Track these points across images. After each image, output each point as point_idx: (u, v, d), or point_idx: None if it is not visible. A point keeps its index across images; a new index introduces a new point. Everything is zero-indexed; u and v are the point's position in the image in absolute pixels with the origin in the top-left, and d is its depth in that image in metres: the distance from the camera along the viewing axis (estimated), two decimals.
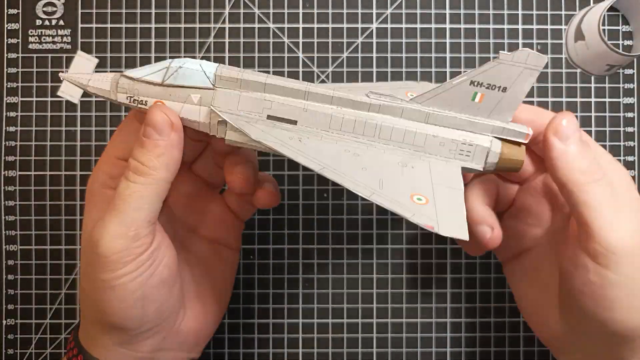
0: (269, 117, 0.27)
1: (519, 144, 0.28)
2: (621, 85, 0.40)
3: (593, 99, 0.40)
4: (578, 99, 0.40)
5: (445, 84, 0.27)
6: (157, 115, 0.26)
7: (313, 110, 0.27)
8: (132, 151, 0.27)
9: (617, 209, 0.26)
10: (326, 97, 0.27)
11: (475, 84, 0.26)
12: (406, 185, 0.26)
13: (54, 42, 0.40)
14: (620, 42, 0.40)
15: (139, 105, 0.27)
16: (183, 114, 0.27)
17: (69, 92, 0.40)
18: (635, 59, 0.40)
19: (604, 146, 0.40)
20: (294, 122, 0.27)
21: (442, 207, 0.25)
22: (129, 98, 0.27)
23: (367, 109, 0.27)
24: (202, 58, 0.39)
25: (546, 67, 0.40)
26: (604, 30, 0.40)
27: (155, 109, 0.26)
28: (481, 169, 0.28)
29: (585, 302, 0.27)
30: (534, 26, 0.40)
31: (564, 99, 0.40)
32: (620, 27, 0.40)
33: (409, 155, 0.27)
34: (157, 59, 0.39)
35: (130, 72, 0.27)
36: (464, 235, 0.24)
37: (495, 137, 0.28)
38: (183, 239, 0.33)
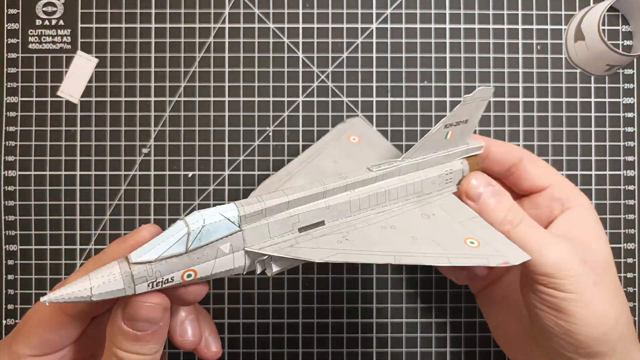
0: (300, 229, 0.27)
1: (477, 154, 0.34)
2: (621, 85, 0.40)
3: (593, 99, 0.40)
4: (578, 99, 0.40)
5: (427, 135, 0.30)
6: (145, 309, 0.23)
7: (334, 204, 0.28)
8: (115, 342, 0.24)
9: (547, 238, 0.29)
10: (340, 187, 0.29)
11: (447, 125, 0.31)
12: (454, 236, 0.29)
13: (54, 42, 0.40)
14: (620, 42, 0.40)
15: (164, 286, 0.24)
16: (215, 269, 0.25)
17: (68, 91, 0.40)
18: (635, 59, 0.40)
19: (604, 146, 0.40)
20: (322, 223, 0.28)
21: (490, 242, 0.29)
22: (150, 284, 0.23)
23: (374, 181, 0.30)
24: (202, 58, 0.40)
25: (546, 67, 0.40)
26: (603, 30, 0.40)
27: (137, 303, 0.23)
28: (456, 189, 0.33)
29: (547, 320, 0.29)
30: (534, 26, 0.40)
31: (563, 99, 0.40)
32: (620, 27, 0.40)
33: (418, 205, 0.31)
34: (157, 59, 0.39)
35: (142, 256, 0.23)
36: (527, 257, 0.27)
37: (464, 158, 0.33)
38: None
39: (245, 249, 0.25)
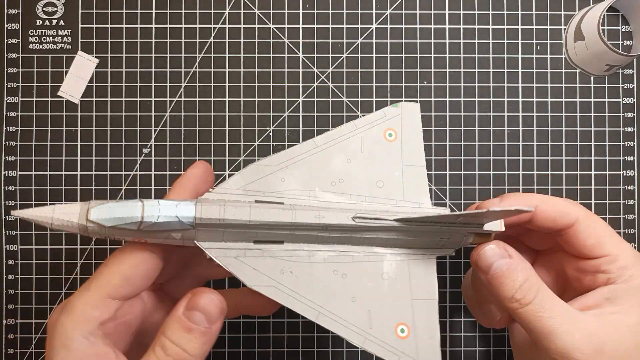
0: (256, 242, 0.27)
1: (489, 235, 0.30)
2: (621, 85, 0.40)
3: (593, 99, 0.40)
4: (577, 99, 0.40)
5: (435, 217, 0.28)
6: (211, 301, 0.24)
7: (300, 234, 0.27)
8: (167, 330, 0.24)
9: (559, 322, 0.27)
10: (312, 226, 0.27)
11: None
12: (391, 316, 0.28)
13: (54, 42, 0.40)
14: (620, 42, 0.40)
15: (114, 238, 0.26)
16: (166, 242, 0.26)
17: (69, 92, 0.40)
18: (635, 59, 0.40)
19: (604, 146, 0.40)
20: (280, 242, 0.27)
21: (422, 337, 0.28)
22: (101, 235, 0.26)
23: (353, 231, 0.28)
24: (202, 58, 0.40)
25: (546, 67, 0.40)
26: (603, 30, 0.40)
27: (207, 293, 0.24)
28: (453, 253, 0.30)
29: None
30: (534, 26, 0.40)
31: (563, 99, 0.40)
32: (620, 27, 0.40)
33: (386, 258, 0.29)
34: (158, 59, 0.40)
35: (99, 218, 0.25)
36: None
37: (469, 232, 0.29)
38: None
39: (195, 242, 0.26)
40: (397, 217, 0.28)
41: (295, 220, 0.26)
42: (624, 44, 0.40)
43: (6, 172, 0.39)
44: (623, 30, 0.40)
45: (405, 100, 0.32)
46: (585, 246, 0.29)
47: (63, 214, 0.25)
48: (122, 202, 0.25)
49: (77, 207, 0.25)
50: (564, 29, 0.40)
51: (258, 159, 0.29)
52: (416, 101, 0.33)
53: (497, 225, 0.28)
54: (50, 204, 0.25)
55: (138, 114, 0.40)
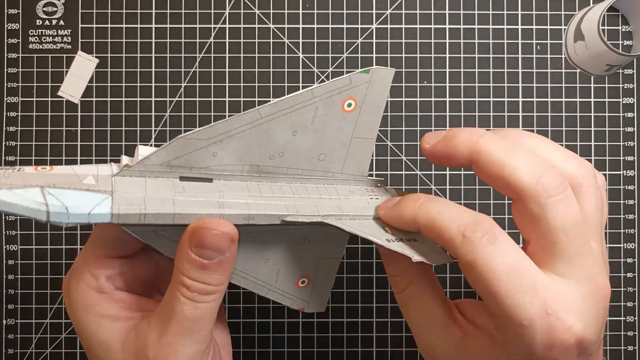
0: (182, 178, 0.25)
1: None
2: (621, 85, 0.40)
3: (593, 99, 0.40)
4: (578, 99, 0.40)
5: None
6: (214, 236, 0.24)
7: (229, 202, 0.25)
8: (182, 269, 0.24)
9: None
10: (240, 215, 0.25)
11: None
12: (296, 271, 0.28)
13: (54, 42, 0.40)
14: (620, 42, 0.40)
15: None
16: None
17: (69, 92, 0.40)
18: (635, 59, 0.40)
19: (604, 146, 0.40)
20: (210, 180, 0.25)
21: (317, 286, 0.29)
22: None
23: (280, 225, 0.26)
24: (202, 58, 0.40)
25: (546, 67, 0.40)
26: (603, 30, 0.40)
27: (206, 230, 0.24)
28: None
29: None
30: (534, 26, 0.40)
31: (563, 99, 0.40)
32: (620, 27, 0.40)
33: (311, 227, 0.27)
34: (158, 59, 0.40)
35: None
36: (322, 309, 0.30)
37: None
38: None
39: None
40: (324, 215, 0.26)
41: (223, 213, 0.24)
42: (624, 44, 0.40)
43: None
44: (623, 30, 0.40)
45: (378, 67, 0.28)
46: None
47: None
48: (17, 194, 0.20)
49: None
50: (564, 29, 0.40)
51: (187, 132, 0.25)
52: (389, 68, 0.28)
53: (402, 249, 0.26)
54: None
55: (138, 114, 0.40)
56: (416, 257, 0.25)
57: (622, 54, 0.37)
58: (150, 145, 0.39)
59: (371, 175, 0.35)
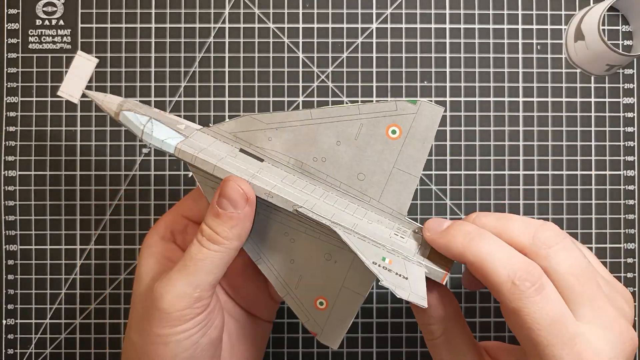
0: (242, 150, 0.30)
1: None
2: (621, 85, 0.40)
3: (593, 99, 0.40)
4: (578, 99, 0.40)
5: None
6: (233, 189, 0.27)
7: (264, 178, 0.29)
8: (203, 215, 0.28)
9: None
10: (260, 198, 0.28)
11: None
12: (317, 288, 0.29)
13: (54, 42, 0.40)
14: (620, 42, 0.40)
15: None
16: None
17: (69, 92, 0.40)
18: (635, 59, 0.40)
19: (604, 146, 0.40)
20: (261, 160, 0.30)
21: (334, 318, 0.29)
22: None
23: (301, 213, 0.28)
24: (202, 58, 0.40)
25: (546, 67, 0.40)
26: (603, 30, 0.40)
27: (231, 182, 0.27)
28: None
29: None
30: (534, 26, 0.40)
31: (563, 99, 0.40)
32: (620, 27, 0.40)
33: (340, 245, 0.28)
34: (158, 59, 0.39)
35: (122, 119, 0.29)
36: (334, 347, 0.30)
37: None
38: (223, 302, 0.33)
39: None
40: (334, 222, 0.27)
41: (251, 181, 0.28)
42: (624, 44, 0.40)
43: (5, 172, 0.39)
44: (623, 30, 0.40)
45: (427, 100, 0.28)
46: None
47: (109, 103, 0.30)
48: (135, 115, 0.29)
49: (115, 104, 0.30)
50: (564, 28, 0.40)
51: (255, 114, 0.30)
52: (442, 104, 0.30)
53: (421, 300, 0.26)
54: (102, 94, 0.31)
55: None
56: (399, 293, 0.25)
57: (622, 54, 0.37)
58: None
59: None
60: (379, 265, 0.26)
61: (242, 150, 0.29)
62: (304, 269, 0.29)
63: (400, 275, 0.26)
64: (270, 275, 0.30)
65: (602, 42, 0.37)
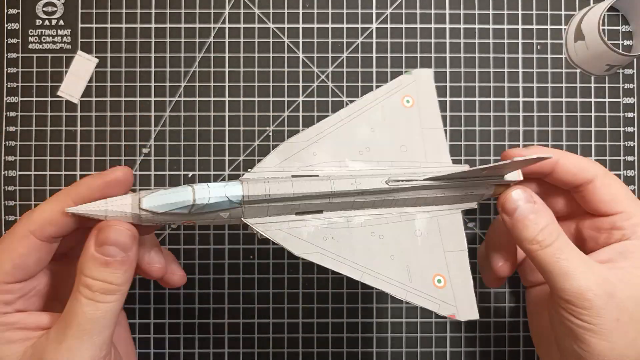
0: (297, 213, 0.29)
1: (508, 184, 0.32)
2: (621, 85, 0.40)
3: (593, 99, 0.40)
4: (578, 99, 0.40)
5: (461, 173, 0.30)
6: (121, 233, 0.26)
7: (338, 201, 0.29)
8: (85, 270, 0.26)
9: (576, 264, 0.28)
10: (349, 193, 0.29)
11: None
12: (428, 268, 0.30)
13: (54, 42, 0.40)
14: (620, 42, 0.40)
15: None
16: (212, 223, 0.28)
17: (68, 91, 0.40)
18: (635, 59, 0.40)
19: (604, 146, 0.40)
20: (320, 212, 0.29)
21: (457, 285, 0.30)
22: (152, 222, 0.27)
23: (387, 193, 0.30)
24: (202, 58, 0.40)
25: (546, 67, 0.40)
26: (603, 30, 0.40)
27: (115, 227, 0.26)
28: (476, 206, 0.32)
29: (565, 340, 0.29)
30: (534, 26, 0.40)
31: (563, 99, 0.40)
32: (620, 27, 0.40)
33: (417, 217, 0.31)
34: (158, 59, 0.39)
35: (152, 206, 0.26)
36: (476, 316, 0.30)
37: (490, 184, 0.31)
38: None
39: (242, 219, 0.28)
40: (426, 176, 0.30)
41: (334, 189, 0.29)
42: (624, 43, 0.40)
43: (6, 172, 0.39)
44: (623, 30, 0.40)
45: (418, 70, 0.34)
46: (602, 202, 0.31)
47: (116, 206, 0.26)
48: (171, 189, 0.27)
49: (128, 199, 0.26)
50: (564, 28, 0.40)
51: (289, 130, 0.33)
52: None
53: (516, 175, 0.31)
54: (102, 199, 0.26)
55: (137, 113, 0.40)
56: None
57: (623, 54, 0.37)
58: (149, 147, 0.39)
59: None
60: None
61: (294, 176, 0.29)
62: (407, 257, 0.30)
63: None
64: (383, 285, 0.29)
65: (602, 42, 0.37)
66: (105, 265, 0.25)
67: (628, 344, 0.27)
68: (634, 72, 0.40)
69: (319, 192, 0.28)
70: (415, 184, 0.30)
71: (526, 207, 0.29)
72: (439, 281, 0.30)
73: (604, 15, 0.37)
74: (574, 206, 0.33)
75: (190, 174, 0.39)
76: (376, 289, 0.29)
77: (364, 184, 0.29)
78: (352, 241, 0.29)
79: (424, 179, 0.30)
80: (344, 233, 0.30)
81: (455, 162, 0.40)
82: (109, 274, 0.25)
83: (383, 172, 0.30)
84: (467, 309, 0.30)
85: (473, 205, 0.32)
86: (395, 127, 0.32)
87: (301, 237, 0.29)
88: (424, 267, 0.30)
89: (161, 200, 0.26)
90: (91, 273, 0.25)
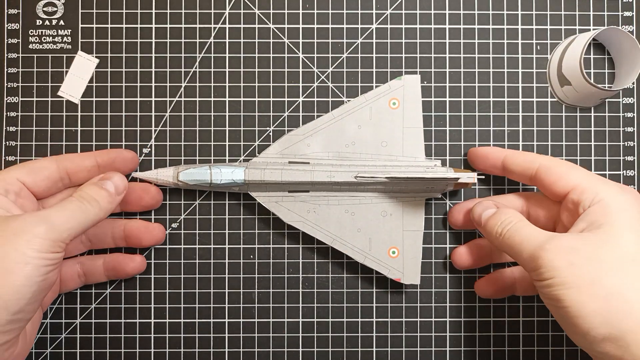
0: (290, 191, 0.37)
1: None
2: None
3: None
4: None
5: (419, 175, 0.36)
6: (119, 180, 0.35)
7: (318, 186, 0.37)
8: (83, 187, 0.34)
9: (527, 234, 0.31)
10: (326, 182, 0.37)
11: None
12: (386, 242, 0.38)
13: (54, 42, 0.40)
14: (606, 70, 0.40)
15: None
16: (229, 191, 0.39)
17: (69, 92, 0.40)
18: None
19: (604, 146, 0.40)
20: (307, 191, 0.37)
21: (407, 257, 0.38)
22: (187, 187, 0.38)
23: (357, 187, 0.37)
24: (202, 58, 0.40)
25: (545, 67, 0.40)
26: (587, 59, 0.40)
27: (119, 174, 0.35)
28: (439, 195, 0.38)
29: (550, 309, 0.31)
30: (534, 26, 0.40)
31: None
32: (605, 56, 0.40)
33: (385, 201, 0.38)
34: (158, 59, 0.40)
35: (184, 179, 0.37)
36: (417, 282, 0.38)
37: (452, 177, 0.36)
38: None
39: (249, 192, 0.38)
40: (389, 175, 0.36)
41: (313, 180, 0.36)
42: (610, 71, 0.40)
43: None
44: (608, 57, 0.40)
45: (406, 72, 0.39)
46: (553, 183, 0.34)
47: (163, 176, 0.37)
48: (197, 168, 0.37)
49: (170, 171, 0.37)
50: (546, 72, 0.40)
51: (289, 130, 0.39)
52: (416, 72, 0.40)
53: (471, 176, 0.35)
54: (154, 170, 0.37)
55: (138, 114, 0.40)
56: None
57: (614, 91, 0.37)
58: (150, 147, 0.39)
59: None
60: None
61: (290, 162, 0.37)
62: (370, 231, 0.37)
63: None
64: (347, 249, 0.37)
65: (590, 86, 0.37)
66: (100, 188, 0.33)
67: (594, 281, 0.28)
68: (633, 85, 0.40)
69: (301, 181, 0.36)
70: (378, 181, 0.36)
71: (487, 212, 0.35)
72: (394, 252, 0.38)
73: (589, 44, 0.37)
74: (556, 215, 0.35)
75: None
76: (346, 256, 0.38)
77: (337, 177, 0.36)
78: (329, 215, 0.37)
79: (386, 177, 0.36)
80: (324, 209, 0.37)
81: (455, 162, 0.40)
82: (99, 194, 0.33)
83: (359, 166, 0.37)
84: (411, 276, 0.38)
85: (437, 195, 0.38)
86: (380, 125, 0.38)
87: (291, 209, 0.37)
88: (383, 240, 0.38)
89: (190, 177, 0.37)
90: (88, 190, 0.33)
